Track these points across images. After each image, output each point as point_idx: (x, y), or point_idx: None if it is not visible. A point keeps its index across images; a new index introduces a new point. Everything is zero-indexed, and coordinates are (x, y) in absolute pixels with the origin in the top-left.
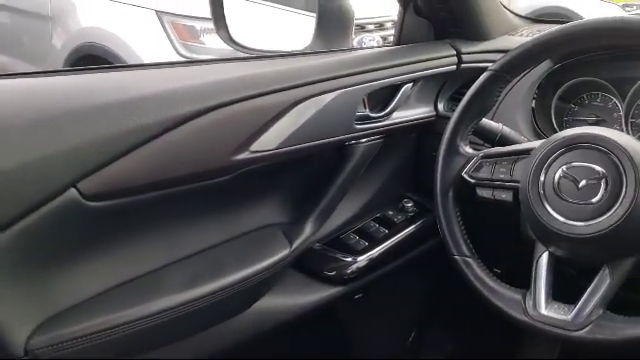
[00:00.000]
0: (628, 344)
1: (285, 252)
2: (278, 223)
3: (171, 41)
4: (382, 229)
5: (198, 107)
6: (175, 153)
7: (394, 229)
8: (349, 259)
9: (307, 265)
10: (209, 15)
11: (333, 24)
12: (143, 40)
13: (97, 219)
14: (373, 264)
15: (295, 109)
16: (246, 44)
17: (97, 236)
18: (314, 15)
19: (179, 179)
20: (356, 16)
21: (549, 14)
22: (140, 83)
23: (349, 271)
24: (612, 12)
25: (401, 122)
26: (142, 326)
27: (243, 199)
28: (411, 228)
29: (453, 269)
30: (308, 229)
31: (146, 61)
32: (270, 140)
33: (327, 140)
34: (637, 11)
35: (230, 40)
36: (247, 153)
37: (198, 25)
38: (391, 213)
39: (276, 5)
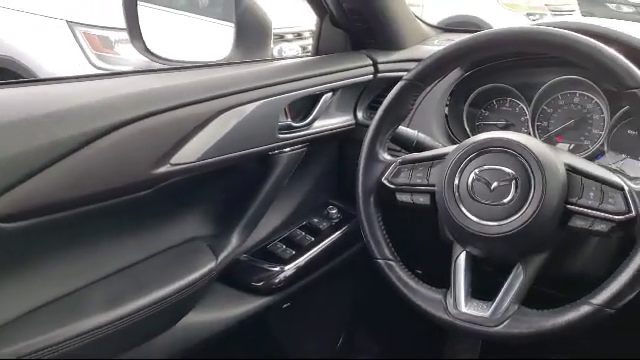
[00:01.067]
0: (542, 336)
1: (211, 265)
2: (203, 236)
3: (84, 52)
4: (308, 237)
5: (114, 121)
6: (91, 169)
7: (320, 236)
8: (277, 268)
9: (234, 277)
10: (124, 25)
11: (251, 34)
12: (54, 52)
13: (11, 240)
14: (301, 272)
15: (216, 120)
16: (162, 54)
17: (13, 258)
18: (232, 25)
19: (97, 195)
20: (274, 26)
21: (459, 23)
22: (52, 97)
23: (277, 280)
24: (517, 21)
25: (322, 131)
26: (65, 349)
27: (165, 213)
28: (336, 234)
29: (377, 272)
30: (234, 241)
31: (58, 74)
32: (191, 152)
33: (250, 150)
34: (540, 20)
35: (146, 50)
36: (167, 166)
37: (112, 35)
38: (316, 220)
39: (193, 15)
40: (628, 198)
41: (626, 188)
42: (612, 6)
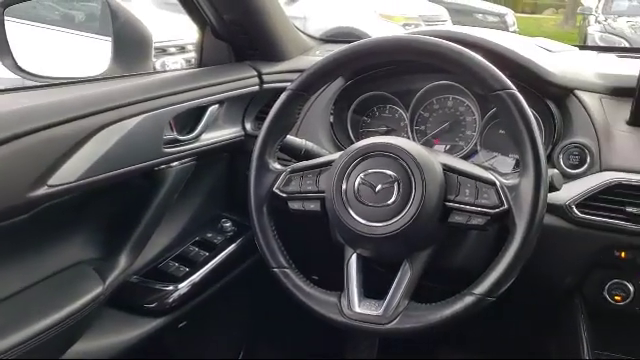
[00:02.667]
0: (431, 329)
1: (98, 290)
2: (88, 259)
3: None
4: (202, 252)
5: None
6: None
7: (214, 251)
8: (170, 287)
9: (125, 300)
10: None
11: (130, 48)
12: None
13: None
14: (196, 289)
15: (97, 136)
16: (35, 71)
17: None
18: (109, 40)
19: None
20: (156, 39)
21: (340, 34)
22: None
23: (171, 300)
24: (394, 31)
25: (211, 143)
26: None
27: (46, 238)
28: (231, 247)
29: (274, 281)
30: (122, 262)
31: None
32: (70, 172)
33: (135, 166)
34: (415, 29)
35: (16, 67)
36: (45, 188)
37: None
38: (210, 235)
39: (68, 30)
40: (500, 192)
41: (498, 183)
42: (479, 16)
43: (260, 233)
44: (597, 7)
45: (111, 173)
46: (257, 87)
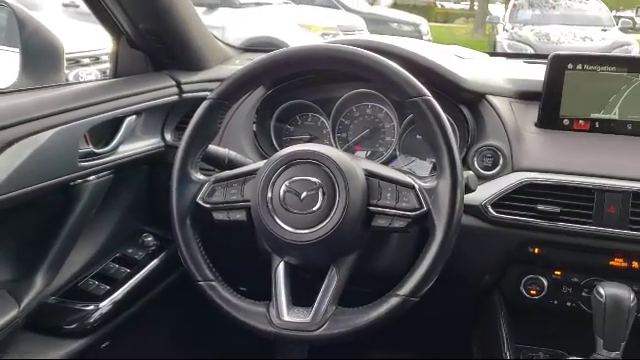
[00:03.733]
0: (360, 332)
1: (13, 313)
2: (1, 282)
3: None
4: (123, 269)
5: None
6: None
7: (136, 267)
8: (90, 307)
9: (43, 322)
10: None
11: (40, 59)
12: None
13: None
14: (118, 307)
15: (7, 152)
16: None
17: None
18: (17, 51)
19: None
20: (68, 50)
21: (260, 43)
22: None
23: (92, 320)
24: (312, 40)
25: (129, 155)
26: None
27: None
28: (154, 263)
29: (200, 295)
30: (38, 283)
31: None
32: None
33: (48, 182)
34: (333, 39)
35: None
36: None
37: None
38: (131, 251)
39: None
40: (419, 195)
41: (417, 187)
42: (395, 25)
43: (184, 246)
44: (504, 16)
45: (24, 190)
46: (176, 97)
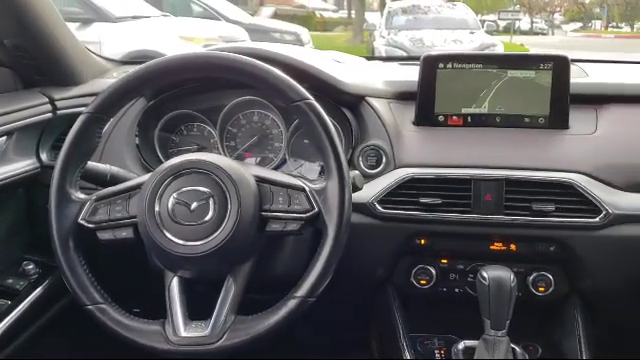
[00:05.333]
0: (261, 338)
1: None
2: None
3: None
4: (3, 301)
5: None
6: None
7: (17, 298)
8: None
9: None
10: None
11: None
12: None
13: None
14: (0, 343)
15: None
16: None
17: None
18: None
19: None
20: None
21: (139, 57)
22: None
23: None
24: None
25: (1, 180)
26: None
27: None
28: (37, 291)
29: (91, 319)
30: None
31: None
32: None
33: None
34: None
35: None
36: None
37: None
38: (11, 281)
39: None
40: (310, 197)
41: (307, 189)
42: (276, 35)
43: (68, 270)
44: (380, 23)
45: None
46: (50, 114)
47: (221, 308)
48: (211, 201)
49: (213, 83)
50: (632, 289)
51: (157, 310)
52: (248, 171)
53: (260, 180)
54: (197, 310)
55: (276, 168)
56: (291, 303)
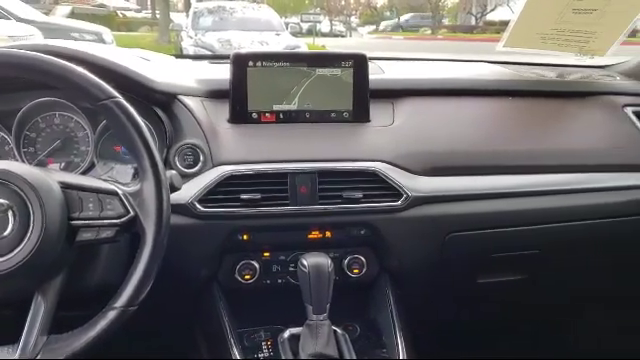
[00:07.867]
0: (81, 354)
1: None
2: None
3: None
4: None
5: None
6: None
7: None
8: None
9: None
10: None
11: None
12: None
13: None
14: None
15: None
16: None
17: None
18: None
19: None
20: None
21: None
22: None
23: None
24: None
25: None
26: None
27: None
28: None
29: None
30: None
31: None
32: None
33: None
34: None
35: None
36: None
37: None
38: None
39: None
40: (124, 201)
41: (120, 192)
42: (76, 35)
43: None
44: (187, 24)
45: None
46: None
47: (30, 329)
48: (10, 213)
49: (5, 84)
50: (430, 266)
51: None
52: (51, 177)
53: (66, 187)
54: (5, 335)
55: (84, 173)
56: (110, 315)
